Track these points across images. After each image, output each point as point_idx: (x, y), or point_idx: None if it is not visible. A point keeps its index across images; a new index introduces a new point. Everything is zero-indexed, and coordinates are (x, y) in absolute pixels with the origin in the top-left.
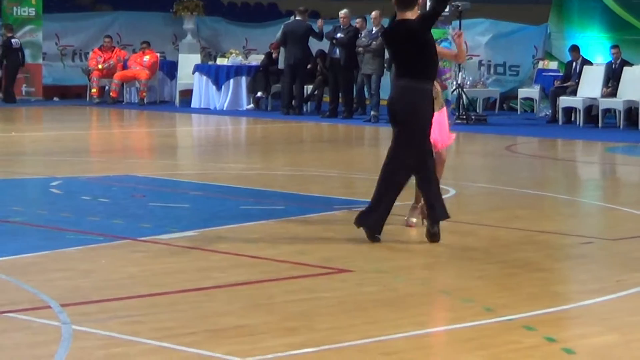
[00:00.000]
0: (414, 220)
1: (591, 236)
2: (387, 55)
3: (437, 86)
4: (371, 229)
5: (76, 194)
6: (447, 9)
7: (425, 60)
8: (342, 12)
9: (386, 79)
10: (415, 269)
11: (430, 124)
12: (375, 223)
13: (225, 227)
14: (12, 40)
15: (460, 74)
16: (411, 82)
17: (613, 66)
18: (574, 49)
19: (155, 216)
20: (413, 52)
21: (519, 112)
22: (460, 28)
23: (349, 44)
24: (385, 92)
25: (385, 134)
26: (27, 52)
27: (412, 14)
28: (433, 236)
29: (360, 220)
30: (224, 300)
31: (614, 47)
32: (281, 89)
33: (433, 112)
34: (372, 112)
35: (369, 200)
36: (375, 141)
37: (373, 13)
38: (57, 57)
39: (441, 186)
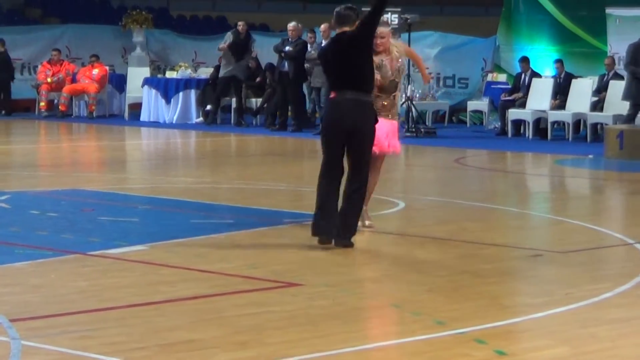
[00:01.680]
0: (370, 222)
1: (540, 249)
2: None
3: (394, 96)
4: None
5: (25, 208)
6: (396, 22)
7: (368, 70)
8: (291, 25)
9: None
10: (365, 282)
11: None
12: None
13: (174, 241)
14: None
15: (409, 86)
16: (359, 95)
17: (558, 80)
18: (524, 60)
19: (104, 230)
20: (357, 62)
21: (468, 125)
22: (409, 40)
23: (297, 57)
24: None
25: None
26: None
27: (350, 28)
28: (347, 245)
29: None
30: (174, 314)
31: (557, 61)
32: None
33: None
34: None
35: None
36: None
37: (322, 26)
38: None
39: (390, 199)
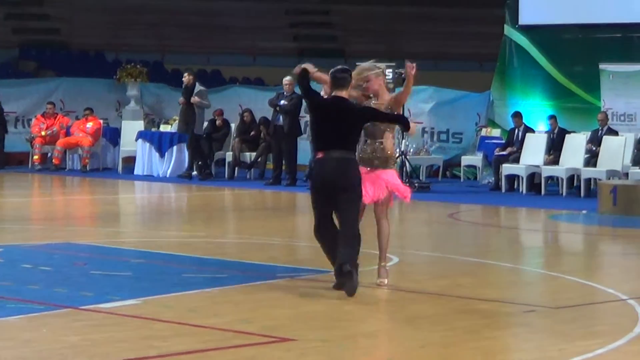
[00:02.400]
0: (385, 280)
1: (533, 304)
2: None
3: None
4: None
5: (17, 262)
6: (390, 76)
7: (357, 134)
8: (287, 79)
9: None
10: (359, 337)
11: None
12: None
13: (167, 295)
14: None
15: (403, 141)
16: (344, 153)
17: (552, 135)
18: (517, 115)
19: (96, 284)
20: (349, 130)
21: (462, 180)
22: None
23: (292, 111)
24: None
25: None
26: None
27: (345, 93)
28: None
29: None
30: None
31: (551, 117)
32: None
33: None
34: None
35: (312, 267)
36: None
37: (286, 79)
38: None
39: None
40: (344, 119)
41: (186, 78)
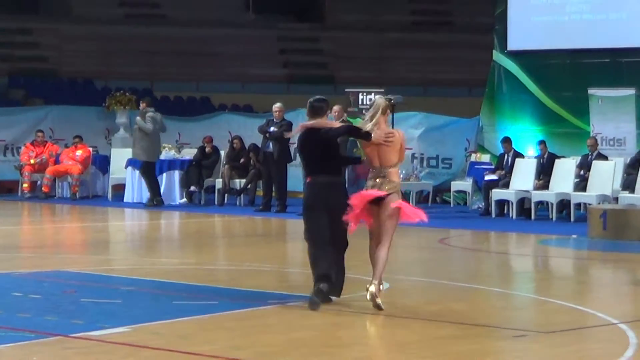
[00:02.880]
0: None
1: (524, 329)
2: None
3: (392, 174)
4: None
5: (7, 290)
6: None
7: (338, 157)
8: (277, 106)
9: None
10: None
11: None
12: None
13: (158, 323)
14: None
15: None
16: (330, 178)
17: (541, 160)
18: (506, 140)
19: (87, 312)
20: (328, 153)
21: (452, 205)
22: (392, 121)
23: (282, 138)
24: None
25: None
26: None
27: (322, 120)
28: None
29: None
30: None
31: (541, 142)
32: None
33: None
34: None
35: (303, 294)
36: None
37: (275, 106)
38: None
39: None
40: (321, 147)
41: (141, 104)
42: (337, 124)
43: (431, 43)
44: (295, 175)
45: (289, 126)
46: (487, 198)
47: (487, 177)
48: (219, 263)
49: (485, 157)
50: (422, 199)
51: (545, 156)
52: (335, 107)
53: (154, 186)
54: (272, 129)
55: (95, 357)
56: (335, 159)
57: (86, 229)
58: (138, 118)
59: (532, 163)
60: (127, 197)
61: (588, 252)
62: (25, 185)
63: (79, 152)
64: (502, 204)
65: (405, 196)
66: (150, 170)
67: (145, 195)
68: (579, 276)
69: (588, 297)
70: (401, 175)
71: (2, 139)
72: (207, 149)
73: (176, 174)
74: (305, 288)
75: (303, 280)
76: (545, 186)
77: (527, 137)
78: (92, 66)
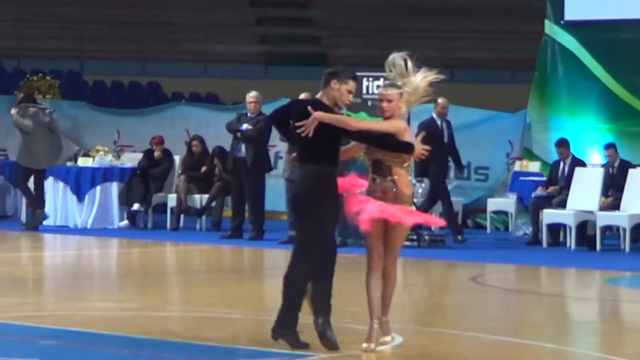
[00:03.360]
0: (388, 338)
1: None
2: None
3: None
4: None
5: None
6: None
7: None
8: (251, 96)
9: None
10: None
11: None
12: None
13: None
14: None
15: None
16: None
17: (610, 171)
18: (562, 144)
19: None
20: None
21: (488, 231)
22: (409, 116)
23: (258, 139)
24: None
25: None
26: None
27: (321, 95)
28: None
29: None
30: None
31: (609, 146)
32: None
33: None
34: (292, 232)
35: (283, 351)
36: None
37: (251, 96)
38: None
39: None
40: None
41: (18, 95)
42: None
43: (459, 9)
44: (276, 189)
45: (267, 123)
46: (536, 221)
47: (536, 193)
48: (171, 308)
49: (534, 166)
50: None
51: (616, 165)
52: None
53: (33, 200)
54: (244, 126)
55: None
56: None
57: None
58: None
59: (598, 174)
60: (47, 219)
61: None
62: None
63: None
64: (556, 229)
65: None
66: (25, 177)
67: (73, 217)
68: None
69: None
70: (419, 191)
71: None
72: (156, 154)
73: (114, 188)
74: (286, 343)
75: None
76: (615, 205)
77: (590, 138)
78: (1, 40)
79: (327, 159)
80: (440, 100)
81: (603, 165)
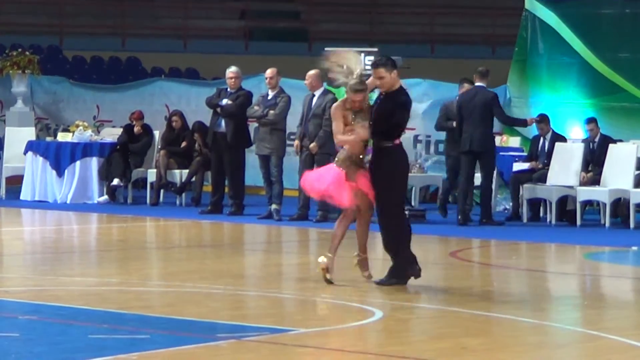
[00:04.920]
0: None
1: None
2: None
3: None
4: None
5: None
6: (369, 69)
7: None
8: (231, 71)
9: (290, 161)
10: None
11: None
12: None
13: None
14: None
15: None
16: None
17: (590, 146)
18: (542, 119)
19: None
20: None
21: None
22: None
23: (238, 114)
24: (288, 178)
25: (289, 235)
26: None
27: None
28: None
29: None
30: None
31: (590, 121)
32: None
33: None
34: (273, 206)
35: (264, 325)
36: (275, 246)
37: (268, 71)
38: None
39: (364, 307)
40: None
41: None
42: None
43: None
44: (256, 164)
45: (246, 98)
46: (516, 196)
47: (516, 168)
48: (151, 283)
49: (514, 141)
50: (428, 197)
51: (597, 140)
52: (310, 73)
53: None
54: (224, 101)
55: None
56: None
57: None
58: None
59: (578, 149)
60: (26, 194)
61: None
62: None
63: None
64: (536, 204)
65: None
66: None
67: (52, 192)
68: None
69: None
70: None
71: None
72: (135, 129)
73: (93, 163)
74: (267, 317)
75: (264, 306)
76: (595, 181)
77: (571, 113)
78: None
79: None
80: (466, 85)
81: (584, 140)
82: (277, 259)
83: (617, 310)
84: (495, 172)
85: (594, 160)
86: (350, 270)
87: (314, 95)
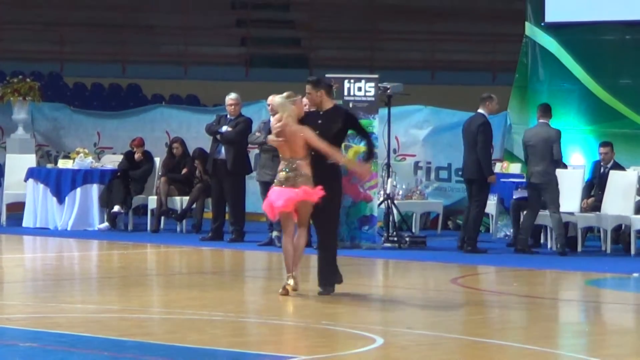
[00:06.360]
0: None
1: None
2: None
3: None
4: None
5: None
6: (372, 92)
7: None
8: (231, 98)
9: None
10: None
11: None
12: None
13: None
14: None
15: (389, 180)
16: None
17: (601, 170)
18: None
19: None
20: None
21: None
22: (389, 117)
23: (238, 141)
24: None
25: None
26: None
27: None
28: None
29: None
30: None
31: (606, 144)
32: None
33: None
34: (274, 233)
35: (265, 352)
36: (276, 273)
37: (270, 98)
38: None
39: (365, 333)
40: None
41: None
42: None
43: (440, 11)
44: (256, 191)
45: (247, 125)
46: (517, 223)
47: (517, 195)
48: (152, 310)
49: (515, 168)
50: (428, 224)
51: (609, 165)
52: (306, 99)
53: None
54: (225, 128)
55: None
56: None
57: None
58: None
59: (579, 175)
60: (28, 221)
61: None
62: None
63: None
64: (537, 230)
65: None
66: None
67: (53, 219)
68: None
69: None
70: (400, 192)
71: None
72: (136, 156)
73: (94, 190)
74: (268, 344)
75: (265, 333)
76: (596, 207)
77: (571, 140)
78: None
79: None
80: (495, 96)
81: (595, 162)
82: (277, 286)
83: (619, 337)
84: (496, 198)
85: (601, 184)
86: (350, 296)
87: None
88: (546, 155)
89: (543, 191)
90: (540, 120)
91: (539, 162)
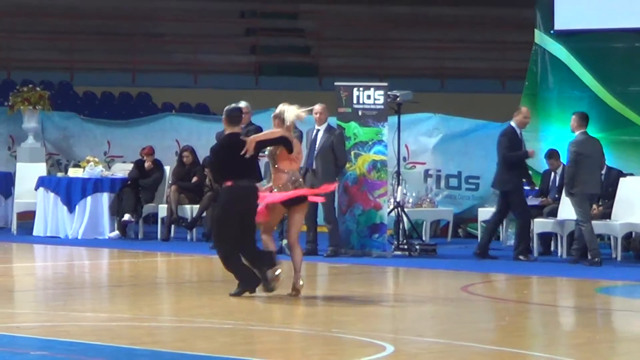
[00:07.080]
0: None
1: None
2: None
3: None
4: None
5: None
6: (381, 101)
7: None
8: (241, 106)
9: None
10: None
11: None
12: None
13: None
14: None
15: (399, 188)
16: (251, 182)
17: (602, 178)
18: (552, 155)
19: None
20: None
21: (479, 240)
22: (398, 125)
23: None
24: None
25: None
26: None
27: (239, 129)
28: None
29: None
30: None
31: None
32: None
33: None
34: (284, 241)
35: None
36: (286, 281)
37: (317, 107)
38: None
39: (376, 341)
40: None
41: None
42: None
43: (449, 20)
44: None
45: (257, 132)
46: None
47: (529, 203)
48: (162, 319)
49: None
50: (439, 232)
51: (611, 174)
52: (317, 107)
53: None
54: None
55: None
56: (252, 164)
57: None
58: None
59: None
60: (38, 230)
61: None
62: None
63: None
64: (547, 238)
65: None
66: None
67: (63, 227)
68: None
69: None
70: (410, 200)
71: None
72: (146, 164)
73: (104, 198)
74: (278, 351)
75: (277, 341)
76: (606, 215)
77: None
78: None
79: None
80: (523, 109)
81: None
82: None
83: (629, 344)
84: None
85: (606, 193)
86: (360, 304)
87: (318, 130)
88: (601, 165)
89: (598, 201)
90: (583, 130)
91: (596, 171)
